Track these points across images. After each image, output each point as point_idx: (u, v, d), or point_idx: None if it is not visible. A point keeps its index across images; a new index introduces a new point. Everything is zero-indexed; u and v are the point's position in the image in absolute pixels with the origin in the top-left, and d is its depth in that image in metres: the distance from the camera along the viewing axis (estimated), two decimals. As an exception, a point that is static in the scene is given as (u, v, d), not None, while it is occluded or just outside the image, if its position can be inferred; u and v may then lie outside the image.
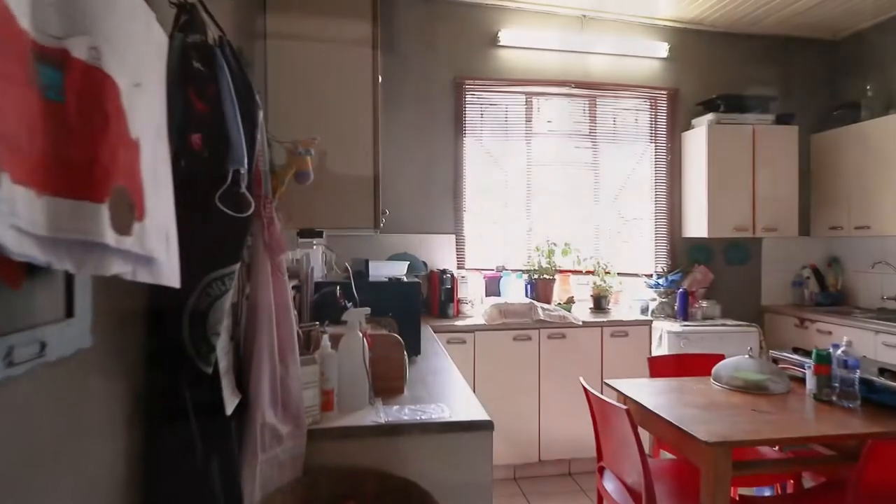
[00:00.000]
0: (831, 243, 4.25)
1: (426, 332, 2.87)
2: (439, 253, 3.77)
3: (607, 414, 2.08)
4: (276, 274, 1.27)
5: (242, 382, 1.22)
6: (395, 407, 1.55)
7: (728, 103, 3.84)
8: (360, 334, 1.54)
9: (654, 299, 3.83)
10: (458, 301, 3.43)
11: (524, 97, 3.98)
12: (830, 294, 4.05)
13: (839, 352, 2.15)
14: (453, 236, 3.81)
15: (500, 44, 3.85)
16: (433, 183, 3.81)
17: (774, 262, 4.21)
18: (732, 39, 4.15)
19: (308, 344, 1.53)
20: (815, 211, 4.12)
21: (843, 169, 3.84)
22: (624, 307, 3.89)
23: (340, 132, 1.61)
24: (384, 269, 2.49)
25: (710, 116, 3.84)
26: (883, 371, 2.17)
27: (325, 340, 1.49)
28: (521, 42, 3.86)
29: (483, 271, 3.77)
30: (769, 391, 2.27)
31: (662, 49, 4.02)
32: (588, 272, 3.82)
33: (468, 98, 3.88)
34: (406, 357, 1.78)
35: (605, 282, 3.72)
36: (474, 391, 3.16)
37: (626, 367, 3.35)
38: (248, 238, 1.03)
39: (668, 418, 1.95)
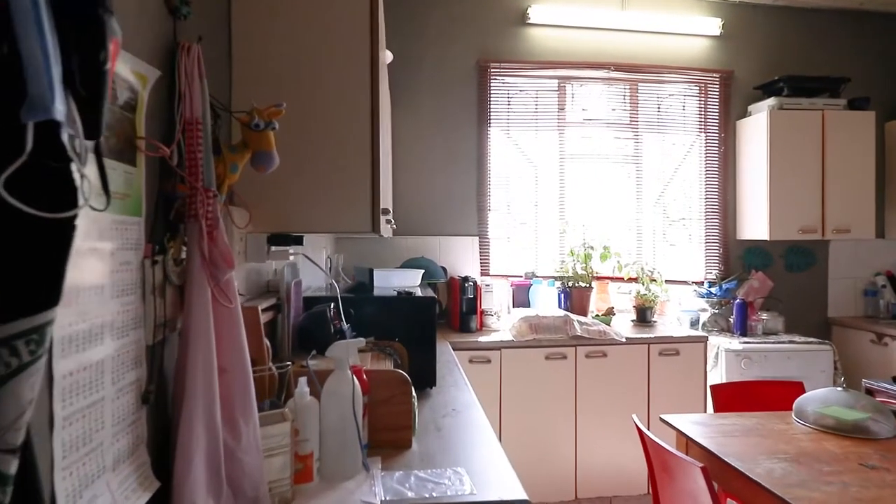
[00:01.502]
0: (910, 247, 3.71)
1: (444, 351, 2.47)
2: (461, 257, 3.36)
3: (672, 467, 1.65)
4: (218, 301, 0.88)
5: (166, 462, 0.83)
6: (398, 474, 1.15)
7: (792, 86, 3.34)
8: (350, 374, 1.14)
9: (705, 310, 3.35)
10: (482, 313, 3.01)
11: (556, 82, 3.54)
12: (909, 305, 3.52)
13: (970, 389, 1.68)
14: (476, 239, 3.40)
15: (530, 21, 3.41)
16: (454, 179, 3.40)
17: (843, 269, 3.69)
18: (795, 14, 3.64)
19: (281, 391, 1.14)
20: (891, 210, 3.58)
21: (930, 161, 3.31)
22: (671, 319, 3.42)
23: (325, 110, 1.21)
24: (394, 280, 2.10)
25: (770, 101, 3.35)
26: None
27: (303, 386, 1.09)
28: (553, 20, 3.42)
29: (510, 278, 3.35)
30: (871, 434, 1.81)
31: (714, 26, 3.53)
32: (630, 279, 3.36)
33: (493, 84, 3.46)
34: (415, 399, 1.38)
35: (649, 290, 3.26)
36: (500, 419, 2.80)
37: (679, 393, 2.89)
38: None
39: (754, 478, 1.51)
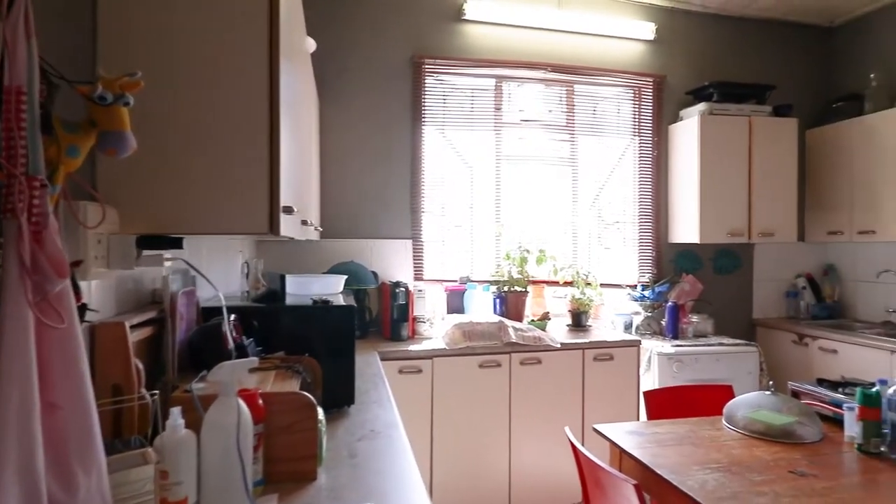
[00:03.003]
0: (827, 250, 3.87)
1: (371, 363, 2.31)
2: (393, 261, 3.21)
3: (604, 483, 1.56)
4: (43, 320, 0.70)
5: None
6: (295, 515, 0.99)
7: (721, 92, 3.41)
8: (236, 401, 0.97)
9: (639, 313, 3.35)
10: (415, 320, 2.87)
11: (493, 81, 3.45)
12: (827, 306, 3.67)
13: (891, 391, 1.70)
14: (410, 242, 3.25)
15: (466, 17, 3.31)
16: (387, 179, 3.25)
17: (767, 271, 3.80)
18: (724, 21, 3.73)
19: (145, 426, 0.95)
20: (810, 214, 3.72)
21: (845, 167, 3.45)
22: (606, 323, 3.40)
23: (212, 92, 1.04)
24: (313, 286, 1.92)
25: (701, 106, 3.40)
26: (945, 416, 1.72)
27: (175, 417, 0.91)
28: (489, 17, 3.34)
29: (444, 283, 3.23)
30: (799, 439, 1.81)
31: (648, 30, 3.56)
32: (566, 283, 3.31)
33: (428, 80, 3.34)
34: (323, 423, 1.22)
35: (584, 294, 3.22)
36: (432, 431, 2.66)
37: (613, 399, 2.85)
38: None
39: (687, 492, 1.44)
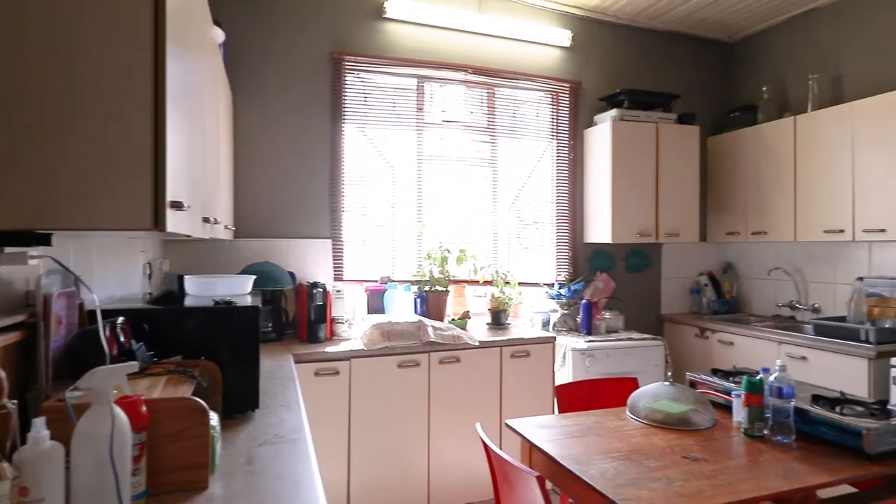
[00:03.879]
0: (726, 249, 4.16)
1: (284, 366, 2.24)
2: (312, 262, 3.14)
3: (510, 476, 1.60)
4: None
5: None
6: (178, 527, 0.93)
7: (631, 99, 3.58)
8: (111, 409, 0.90)
9: (556, 311, 3.46)
10: (333, 321, 2.82)
11: (415, 81, 3.45)
12: (726, 301, 3.94)
13: (772, 378, 1.84)
14: (329, 242, 3.19)
15: (387, 16, 3.29)
16: (305, 177, 3.17)
17: (673, 269, 4.04)
18: (635, 33, 3.93)
19: (5, 438, 0.87)
20: (711, 216, 3.99)
21: (741, 172, 3.73)
22: (525, 321, 3.48)
23: (84, 71, 0.96)
24: (218, 287, 1.84)
25: (613, 112, 3.56)
26: (817, 398, 1.89)
27: (38, 428, 0.84)
28: (411, 16, 3.34)
29: (365, 283, 3.19)
30: (694, 425, 1.93)
31: (565, 37, 3.68)
32: (486, 282, 3.37)
33: (348, 78, 3.29)
34: (216, 429, 1.16)
35: (504, 293, 3.29)
36: (349, 433, 2.61)
37: (529, 394, 2.93)
38: None
39: (587, 480, 1.50)
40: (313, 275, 3.12)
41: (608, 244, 3.72)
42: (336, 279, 3.17)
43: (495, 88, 3.64)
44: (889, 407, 1.81)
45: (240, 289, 1.89)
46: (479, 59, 3.54)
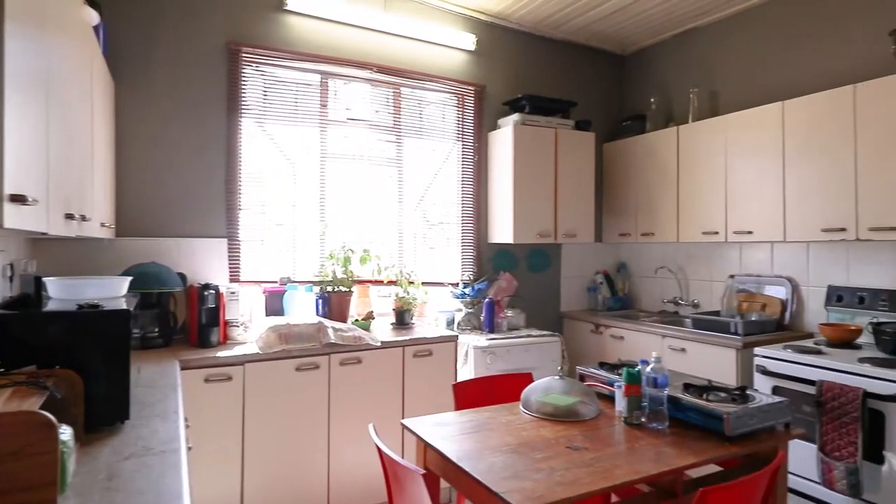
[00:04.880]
0: (620, 249, 4.43)
1: (168, 373, 2.11)
2: (206, 262, 2.97)
3: (400, 477, 1.60)
4: None
5: None
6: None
7: (532, 104, 3.71)
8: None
9: (461, 310, 3.52)
10: (227, 324, 2.69)
11: (319, 77, 3.37)
12: (619, 298, 4.19)
13: (648, 369, 1.97)
14: (225, 241, 3.04)
15: (288, 8, 3.19)
16: (198, 173, 3.00)
17: (572, 268, 4.24)
18: (537, 41, 4.07)
19: None
20: (606, 218, 4.23)
21: (632, 178, 3.98)
22: (430, 321, 3.51)
23: None
24: (87, 290, 1.69)
25: (515, 117, 3.67)
26: (688, 387, 2.05)
27: None
28: (313, 10, 3.26)
29: (263, 284, 3.07)
30: (580, 416, 2.02)
31: (470, 41, 3.75)
32: (390, 282, 3.36)
33: (247, 71, 3.15)
34: (68, 444, 1.07)
35: (408, 293, 3.29)
36: (243, 441, 2.48)
37: (432, 393, 2.95)
38: None
39: (474, 474, 1.53)
40: (207, 276, 2.96)
41: (511, 244, 3.83)
42: (232, 280, 3.03)
43: (401, 88, 3.64)
44: (748, 392, 2.00)
45: (113, 291, 1.75)
46: (384, 58, 3.52)
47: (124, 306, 1.53)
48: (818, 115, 2.83)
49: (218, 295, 2.64)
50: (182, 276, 2.80)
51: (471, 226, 3.85)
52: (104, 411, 1.41)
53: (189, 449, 1.59)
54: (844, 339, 2.71)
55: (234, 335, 2.70)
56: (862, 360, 2.40)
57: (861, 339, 2.75)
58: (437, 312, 3.48)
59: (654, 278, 4.12)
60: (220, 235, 3.03)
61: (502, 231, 3.70)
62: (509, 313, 3.56)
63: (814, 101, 2.86)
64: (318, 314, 3.03)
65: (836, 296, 2.96)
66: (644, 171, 3.87)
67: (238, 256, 3.08)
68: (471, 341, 3.15)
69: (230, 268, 3.04)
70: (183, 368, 2.31)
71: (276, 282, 3.09)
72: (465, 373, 3.10)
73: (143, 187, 2.85)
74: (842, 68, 3.02)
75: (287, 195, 3.26)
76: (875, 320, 2.71)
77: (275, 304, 3.00)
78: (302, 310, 3.00)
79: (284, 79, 3.27)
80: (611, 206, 4.17)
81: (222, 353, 2.47)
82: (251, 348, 2.56)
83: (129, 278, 1.85)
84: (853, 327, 2.73)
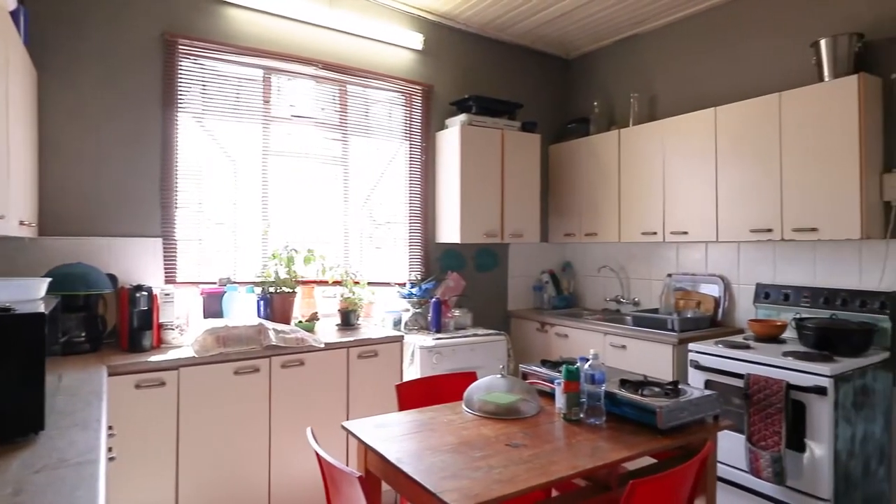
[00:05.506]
0: (565, 249, 4.52)
1: (93, 380, 2.00)
2: (139, 263, 2.84)
3: (338, 481, 1.57)
4: None
5: None
6: None
7: (479, 105, 3.74)
8: None
9: (408, 310, 3.50)
10: (161, 327, 2.58)
11: (262, 72, 3.28)
12: (565, 297, 4.28)
13: (587, 366, 2.01)
14: (160, 241, 2.92)
15: (229, 0, 3.09)
16: (130, 169, 2.86)
17: (519, 268, 4.29)
18: (485, 42, 4.11)
19: None
20: (552, 218, 4.31)
21: (576, 179, 4.07)
22: (377, 321, 3.48)
23: None
24: (-1, 292, 1.58)
25: (462, 117, 3.69)
26: (624, 382, 2.11)
27: None
28: (256, 3, 3.17)
29: (201, 286, 2.97)
30: (521, 414, 2.05)
31: (417, 40, 3.74)
32: (335, 282, 3.31)
33: (184, 63, 3.03)
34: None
35: (353, 293, 3.25)
36: (177, 449, 2.33)
37: (378, 395, 2.92)
38: None
39: (413, 475, 1.52)
40: (141, 277, 2.83)
41: (458, 244, 3.85)
42: (168, 281, 2.91)
43: (347, 86, 3.59)
44: (680, 387, 2.07)
45: (29, 293, 1.65)
46: (330, 55, 3.47)
47: (41, 309, 1.44)
48: (747, 121, 2.98)
49: (151, 297, 2.53)
50: (113, 278, 2.67)
51: (418, 225, 3.84)
52: (14, 422, 1.32)
53: (111, 459, 1.52)
54: (771, 335, 2.86)
55: (169, 339, 2.59)
56: (785, 354, 2.53)
57: (786, 334, 2.91)
58: (383, 313, 3.46)
59: (598, 277, 4.22)
60: (154, 235, 2.90)
61: (450, 231, 3.71)
62: (456, 313, 3.57)
63: (743, 108, 3.00)
64: (259, 316, 2.95)
65: (764, 293, 3.12)
66: (588, 173, 3.96)
67: (174, 256, 2.96)
68: (417, 341, 3.14)
69: (166, 268, 2.92)
70: (111, 374, 2.20)
71: (214, 283, 2.99)
72: (412, 373, 3.09)
73: (70, 184, 2.70)
74: (770, 77, 3.18)
75: (227, 193, 3.15)
76: (798, 316, 2.87)
77: (214, 306, 2.90)
78: (242, 311, 2.91)
79: (225, 73, 3.17)
80: (556, 207, 4.25)
81: (155, 358, 2.37)
82: (187, 352, 2.47)
83: (48, 280, 1.75)
84: (778, 323, 2.88)
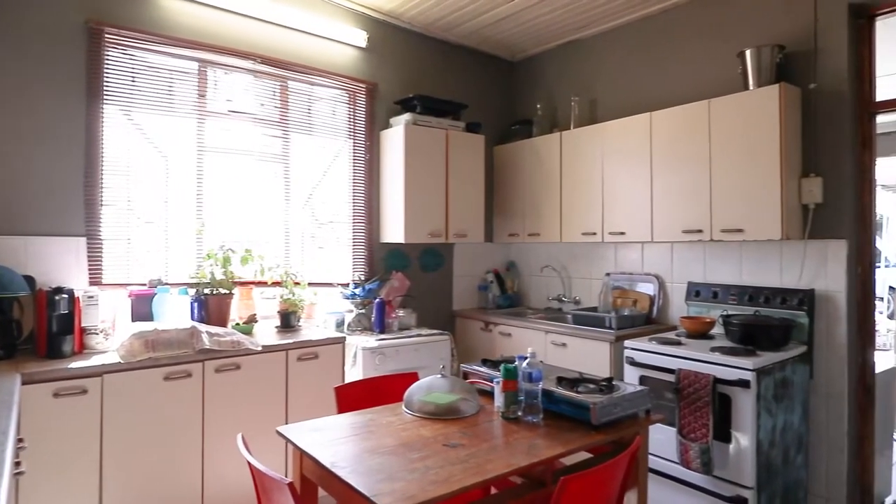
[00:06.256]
0: (510, 249, 4.58)
1: (2, 389, 1.86)
2: (61, 264, 2.68)
3: (268, 488, 1.53)
4: None
5: None
6: None
7: (424, 105, 3.73)
8: None
9: (351, 311, 3.46)
10: (84, 332, 2.43)
11: (196, 65, 3.16)
12: (509, 296, 4.33)
13: (524, 364, 2.04)
14: (84, 240, 2.75)
15: (158, -11, 2.96)
16: (50, 164, 2.69)
17: (464, 268, 4.31)
18: (430, 42, 4.10)
19: None
20: (497, 219, 4.35)
21: (520, 180, 4.12)
22: (319, 323, 3.41)
23: None
24: None
25: (407, 116, 3.67)
26: (561, 380, 2.15)
27: None
28: (188, -7, 3.04)
29: (130, 287, 2.82)
30: (461, 413, 2.05)
31: (361, 38, 3.70)
32: (275, 283, 3.22)
33: (112, 53, 2.88)
34: None
35: (294, 294, 3.18)
36: (101, 461, 2.19)
37: (318, 398, 2.86)
38: None
39: (347, 480, 1.50)
40: (63, 279, 2.66)
41: (403, 244, 3.83)
42: (93, 283, 2.75)
43: (288, 82, 3.51)
44: (614, 383, 2.13)
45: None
46: (270, 50, 3.37)
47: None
48: (679, 126, 3.10)
49: (73, 299, 2.38)
50: (30, 279, 2.50)
51: (362, 225, 3.80)
52: None
53: (19, 474, 1.42)
54: (700, 331, 2.99)
55: (93, 344, 2.45)
56: (713, 350, 2.65)
57: (715, 331, 3.05)
58: (326, 314, 3.39)
59: (541, 276, 4.30)
60: (77, 234, 2.74)
61: (394, 230, 3.68)
62: (401, 313, 3.55)
63: (676, 113, 3.12)
64: (193, 318, 2.83)
65: (695, 291, 3.26)
66: (531, 175, 4.02)
67: (100, 257, 2.80)
68: (360, 342, 3.10)
69: (90, 269, 2.76)
70: (25, 383, 2.05)
71: (144, 284, 2.85)
72: (354, 375, 3.05)
73: (-19, 178, 2.51)
74: (701, 84, 3.32)
75: (159, 190, 3.02)
76: (725, 313, 3.01)
77: (143, 309, 2.76)
78: (175, 314, 2.79)
79: (157, 65, 3.03)
80: (501, 208, 4.30)
81: (76, 364, 2.23)
82: (112, 357, 2.34)
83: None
84: (708, 320, 3.01)
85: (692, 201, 3.03)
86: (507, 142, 4.30)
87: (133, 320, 2.73)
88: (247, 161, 3.33)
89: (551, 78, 4.30)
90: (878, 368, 2.89)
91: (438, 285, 4.16)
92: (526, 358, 2.07)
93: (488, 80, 4.47)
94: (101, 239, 2.81)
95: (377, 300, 3.41)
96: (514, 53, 4.50)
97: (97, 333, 2.46)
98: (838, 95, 2.77)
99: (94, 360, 2.29)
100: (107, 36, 2.85)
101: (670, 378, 2.67)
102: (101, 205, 2.82)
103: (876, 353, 2.92)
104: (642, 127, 3.29)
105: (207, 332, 2.55)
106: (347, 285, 3.60)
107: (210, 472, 2.51)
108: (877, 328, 3.09)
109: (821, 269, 2.81)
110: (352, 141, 3.78)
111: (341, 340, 2.98)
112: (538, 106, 4.18)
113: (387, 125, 3.84)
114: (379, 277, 3.71)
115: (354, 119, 3.79)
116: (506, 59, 4.56)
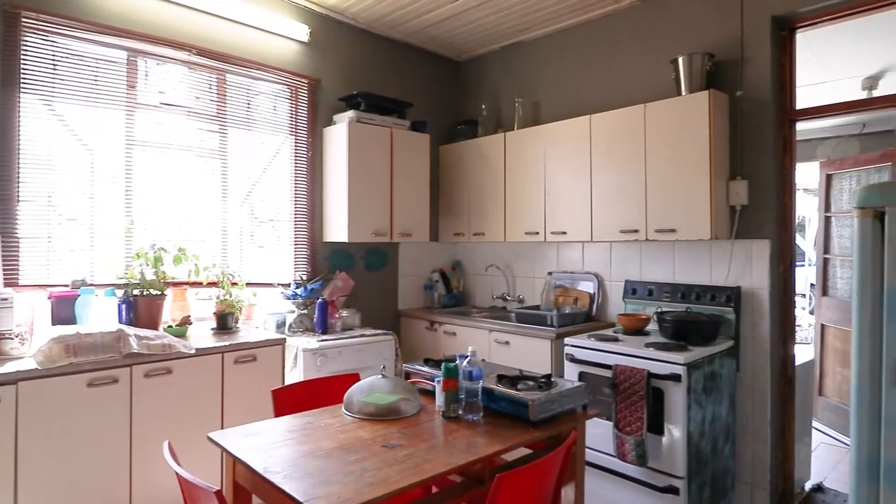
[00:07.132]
0: (455, 248, 4.59)
1: None
2: (-30, 262, 2.48)
3: (196, 496, 1.46)
4: None
5: None
6: None
7: (368, 102, 3.69)
8: None
9: (293, 312, 3.37)
10: (-4, 336, 2.26)
11: (125, 54, 3.00)
12: (455, 296, 4.35)
13: (465, 363, 2.05)
14: (-3, 237, 2.57)
15: (82, -28, 2.79)
16: (-42, 155, 2.49)
17: (409, 267, 4.30)
18: (374, 39, 4.05)
19: None
20: (442, 218, 4.36)
21: (465, 180, 4.14)
22: (258, 324, 3.31)
23: None
24: None
25: (350, 114, 3.61)
26: (501, 378, 2.17)
27: None
28: (116, -22, 2.89)
29: (50, 289, 2.65)
30: (402, 414, 2.04)
31: (303, 32, 3.61)
32: (210, 284, 3.10)
33: (31, 39, 2.69)
34: None
35: (231, 295, 3.07)
36: (16, 477, 2.04)
37: (256, 401, 2.77)
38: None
39: (279, 485, 1.45)
40: (-28, 280, 2.47)
41: (347, 243, 3.77)
42: (8, 284, 2.56)
43: (226, 75, 3.39)
44: (553, 380, 2.17)
45: None
46: (206, 41, 3.24)
47: None
48: (617, 129, 3.19)
49: (-17, 302, 2.21)
50: (-67, 281, 2.30)
51: (304, 224, 3.72)
52: None
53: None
54: (636, 328, 3.09)
55: (7, 349, 2.28)
56: (647, 346, 2.75)
57: (650, 327, 3.16)
58: (266, 315, 3.30)
59: (486, 276, 4.34)
60: (-10, 231, 2.55)
61: (337, 229, 3.62)
62: (344, 313, 3.49)
63: (614, 117, 3.21)
64: (121, 321, 2.69)
65: (632, 289, 3.37)
66: (476, 174, 4.05)
67: (16, 256, 2.62)
68: (301, 344, 3.03)
69: (5, 270, 2.57)
70: (-74, 393, 1.89)
71: (66, 285, 2.68)
72: (294, 377, 2.97)
73: None
74: (637, 89, 3.43)
75: (83, 186, 2.84)
76: (659, 310, 3.12)
77: (65, 312, 2.59)
78: (100, 317, 2.64)
79: (81, 53, 2.85)
80: (446, 207, 4.31)
81: (-14, 372, 2.07)
82: (29, 363, 2.18)
83: None
84: (643, 316, 3.12)
85: (629, 202, 3.13)
86: (452, 141, 4.31)
87: (53, 324, 2.56)
88: (181, 156, 3.19)
89: (496, 79, 4.34)
90: (798, 361, 3.08)
91: (383, 285, 4.12)
92: (467, 357, 2.08)
93: (434, 79, 4.46)
94: (17, 237, 2.62)
95: (319, 300, 3.35)
96: (460, 53, 4.52)
97: (12, 338, 2.29)
98: (762, 103, 2.92)
99: (9, 367, 2.13)
100: (24, 20, 2.66)
101: (608, 374, 2.75)
102: (18, 200, 2.63)
103: (797, 346, 3.11)
104: (582, 129, 3.36)
105: (136, 335, 2.42)
106: (288, 285, 3.51)
107: (138, 483, 2.39)
108: (798, 323, 3.29)
109: (746, 267, 2.96)
110: (293, 137, 3.69)
111: (281, 342, 2.90)
112: (483, 106, 4.21)
113: (330, 122, 3.77)
114: (322, 277, 3.64)
115: (296, 115, 3.70)
116: (451, 58, 4.57)
